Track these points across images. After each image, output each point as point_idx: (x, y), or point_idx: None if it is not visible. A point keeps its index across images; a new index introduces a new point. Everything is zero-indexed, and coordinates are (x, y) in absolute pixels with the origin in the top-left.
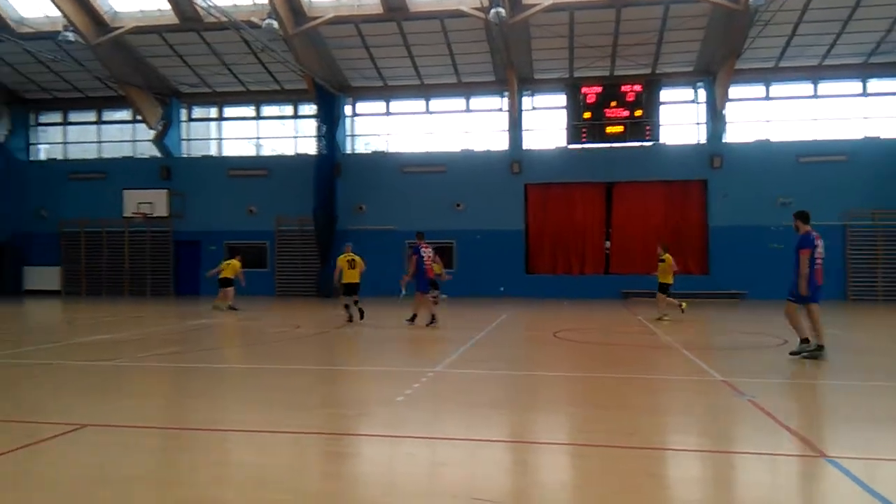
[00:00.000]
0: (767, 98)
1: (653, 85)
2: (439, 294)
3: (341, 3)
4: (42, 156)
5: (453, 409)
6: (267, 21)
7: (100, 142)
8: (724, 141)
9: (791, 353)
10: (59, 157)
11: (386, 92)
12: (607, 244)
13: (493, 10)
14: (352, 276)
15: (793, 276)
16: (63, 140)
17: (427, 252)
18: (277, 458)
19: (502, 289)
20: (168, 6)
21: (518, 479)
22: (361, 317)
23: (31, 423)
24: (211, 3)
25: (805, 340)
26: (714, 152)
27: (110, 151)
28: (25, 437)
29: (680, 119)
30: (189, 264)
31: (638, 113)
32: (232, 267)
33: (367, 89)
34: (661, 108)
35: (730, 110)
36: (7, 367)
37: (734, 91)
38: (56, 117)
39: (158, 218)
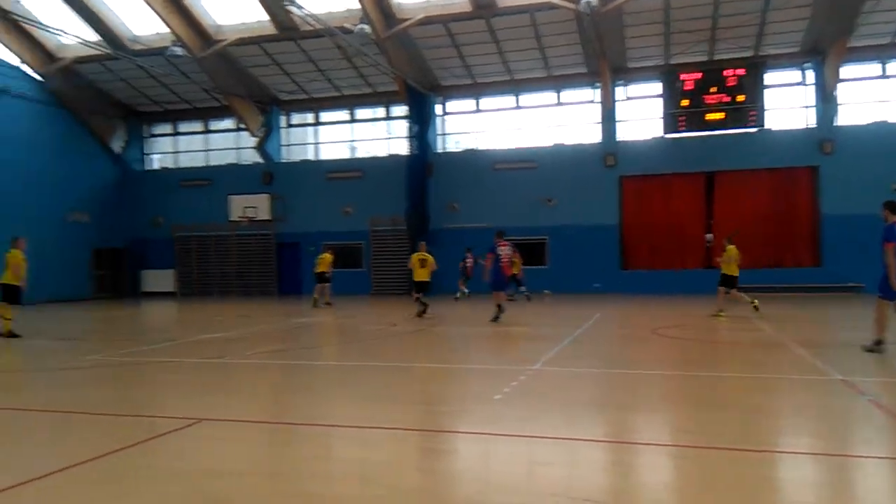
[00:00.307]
0: (884, 76)
1: (756, 68)
2: (545, 291)
3: (430, 4)
4: (155, 165)
5: (552, 408)
6: (359, 26)
7: (207, 150)
8: (835, 124)
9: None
10: (171, 165)
11: (476, 89)
12: (708, 237)
13: (583, 0)
14: (422, 275)
15: (882, 271)
16: (173, 150)
17: (504, 251)
18: (377, 453)
19: (597, 285)
20: (267, 17)
21: (620, 479)
22: (424, 311)
23: (151, 417)
24: (307, 12)
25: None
26: (825, 137)
27: (216, 159)
28: (146, 432)
29: (787, 103)
30: (290, 265)
31: (740, 98)
32: (324, 261)
33: (457, 88)
34: (766, 91)
35: (841, 91)
36: (128, 364)
37: (846, 71)
38: (167, 128)
39: (261, 221)
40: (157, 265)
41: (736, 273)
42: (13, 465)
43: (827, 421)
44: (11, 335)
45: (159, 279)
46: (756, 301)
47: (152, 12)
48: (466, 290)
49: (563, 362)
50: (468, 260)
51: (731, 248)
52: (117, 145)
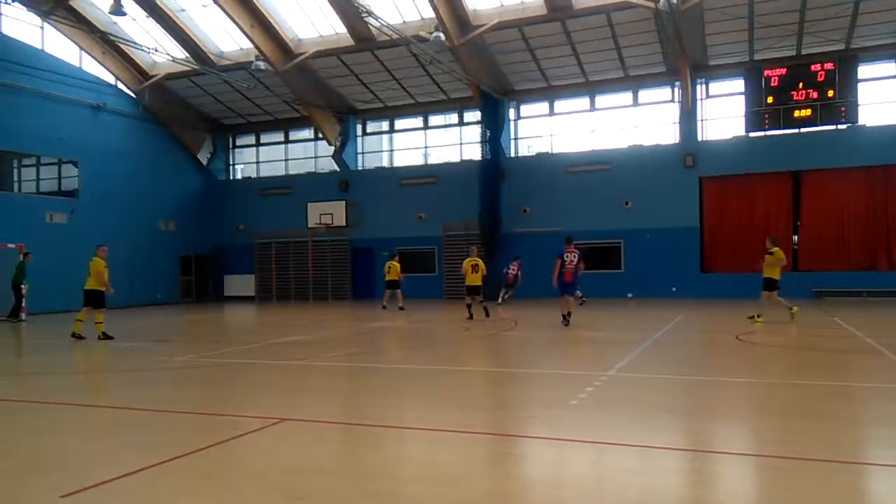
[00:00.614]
0: None
1: (847, 62)
2: (628, 295)
3: (505, 8)
4: (238, 175)
5: (629, 414)
6: (435, 34)
7: (286, 160)
8: None
9: None
10: (253, 175)
11: (549, 92)
12: (795, 238)
13: None
14: (474, 280)
15: None
16: (255, 160)
17: (571, 256)
18: (452, 455)
19: (674, 289)
20: (344, 29)
21: (700, 489)
22: (487, 315)
23: (237, 416)
24: (384, 23)
25: None
26: None
27: (295, 168)
28: (231, 430)
29: (881, 97)
30: (365, 270)
31: (830, 94)
32: (394, 269)
33: (531, 91)
34: (859, 86)
35: None
36: (214, 366)
37: None
38: (250, 139)
39: (337, 227)
40: (239, 271)
41: (778, 276)
42: (110, 459)
43: None
44: (106, 337)
45: (240, 284)
46: (795, 308)
47: (237, 29)
48: (506, 296)
49: (640, 368)
50: (513, 268)
51: (777, 250)
52: (204, 157)
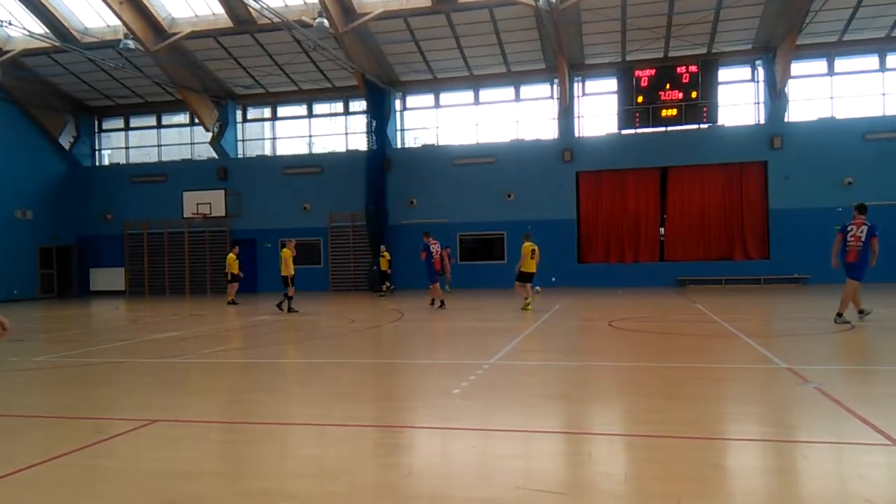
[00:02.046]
0: (831, 74)
1: (709, 65)
2: (536, 288)
3: None
4: (105, 161)
5: (510, 401)
6: (318, 20)
7: (159, 145)
8: (785, 120)
9: None
10: (122, 161)
11: (435, 84)
12: (662, 230)
13: None
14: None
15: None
16: (125, 145)
17: (435, 248)
18: (336, 450)
19: (554, 279)
20: (221, 10)
21: (578, 470)
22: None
23: (102, 419)
24: (264, 5)
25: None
26: (774, 132)
27: (169, 154)
28: (96, 434)
29: (738, 99)
30: (246, 262)
31: (694, 95)
32: (230, 261)
33: (417, 83)
34: (719, 88)
35: (791, 88)
36: (77, 365)
37: (795, 68)
38: (118, 123)
39: (216, 218)
40: (107, 263)
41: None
42: None
43: (776, 408)
44: None
45: (109, 278)
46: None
47: (103, 4)
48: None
49: (521, 355)
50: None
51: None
52: (66, 140)
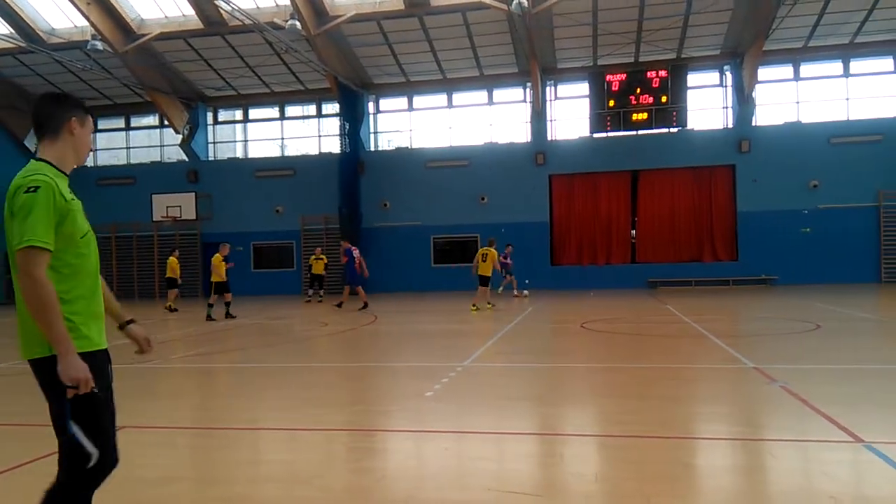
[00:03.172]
0: (797, 79)
1: (678, 70)
2: (524, 292)
3: (363, 1)
4: None
5: (483, 403)
6: (290, 22)
7: (128, 148)
8: (752, 124)
9: None
10: (89, 164)
11: (408, 88)
12: (633, 233)
13: (515, 1)
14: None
15: None
16: (92, 147)
17: (356, 253)
18: (308, 454)
19: (527, 281)
20: (192, 11)
21: (550, 471)
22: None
23: None
24: (235, 7)
25: None
26: (742, 136)
27: (138, 157)
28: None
29: (707, 104)
30: None
31: (664, 99)
32: (171, 266)
33: (390, 86)
34: (688, 93)
35: (758, 93)
36: None
37: (762, 73)
38: None
39: (186, 221)
40: None
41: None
42: None
43: (744, 407)
44: None
45: None
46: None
47: (70, 5)
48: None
49: (494, 358)
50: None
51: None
52: (32, 143)
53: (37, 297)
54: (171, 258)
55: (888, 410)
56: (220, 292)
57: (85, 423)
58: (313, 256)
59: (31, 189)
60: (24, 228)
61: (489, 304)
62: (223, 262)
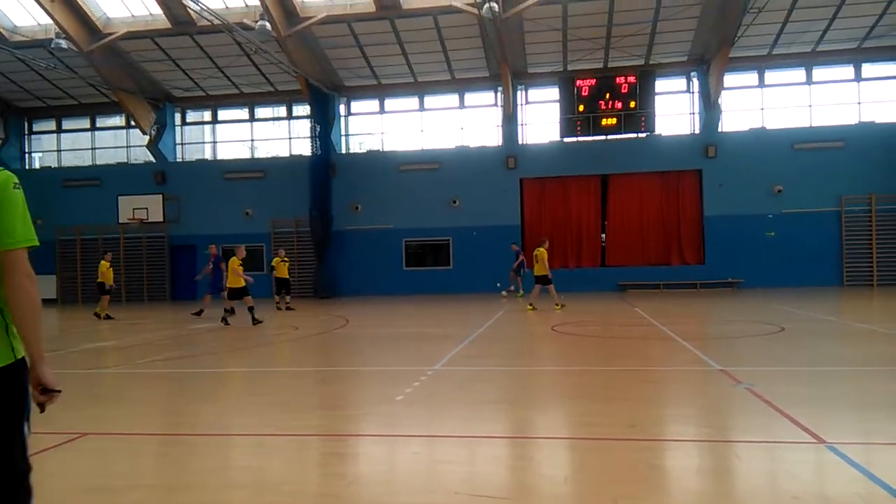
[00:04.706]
0: (761, 86)
1: (647, 76)
2: (502, 293)
3: (334, 3)
4: (36, 164)
5: (453, 407)
6: (260, 23)
7: (93, 148)
8: (718, 130)
9: None
10: (54, 164)
11: (380, 90)
12: (603, 237)
13: (486, 5)
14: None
15: None
16: (57, 148)
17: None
18: (277, 460)
19: (498, 284)
20: (159, 10)
21: (519, 474)
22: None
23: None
24: (203, 7)
25: None
26: (708, 142)
27: (104, 158)
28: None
29: (674, 109)
30: (185, 269)
31: (632, 104)
32: (101, 270)
33: (361, 88)
34: (656, 98)
35: (724, 99)
36: None
37: (728, 80)
38: (50, 125)
39: (153, 223)
40: (38, 271)
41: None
42: None
43: (710, 409)
44: None
45: (40, 285)
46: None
47: (33, 2)
48: (513, 288)
49: (464, 361)
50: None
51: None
52: None
53: (35, 299)
54: (102, 262)
55: (850, 412)
56: (236, 297)
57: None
58: (277, 259)
59: (18, 185)
60: (25, 226)
61: (557, 304)
62: (240, 266)
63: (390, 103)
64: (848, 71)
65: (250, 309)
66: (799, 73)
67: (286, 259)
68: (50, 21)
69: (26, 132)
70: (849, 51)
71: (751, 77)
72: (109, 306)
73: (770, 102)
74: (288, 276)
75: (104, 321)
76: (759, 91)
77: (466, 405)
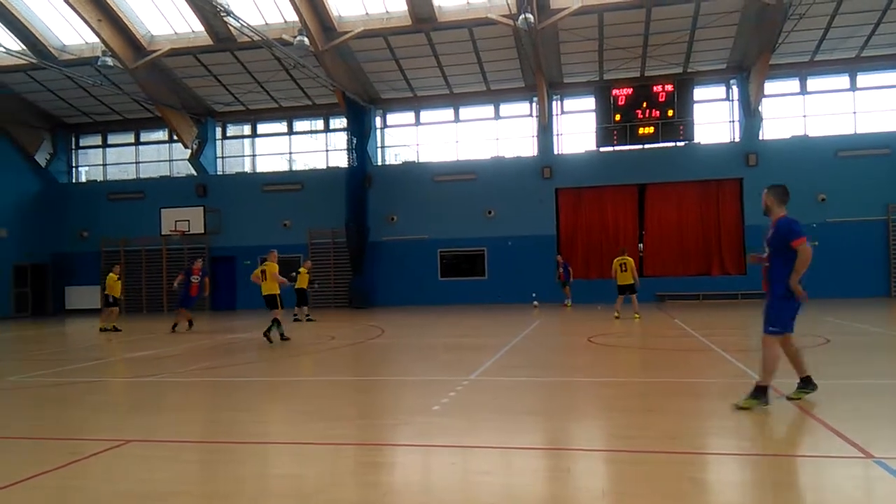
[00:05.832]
0: (803, 93)
1: (685, 84)
2: (534, 303)
3: (370, 17)
4: (83, 178)
5: (490, 418)
6: (298, 38)
7: (137, 162)
8: (759, 138)
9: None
10: (99, 178)
11: (415, 102)
12: (641, 246)
13: (521, 17)
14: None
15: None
16: (103, 162)
17: (196, 278)
18: (315, 469)
19: (534, 294)
20: (201, 28)
21: (556, 486)
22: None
23: (75, 440)
24: (244, 23)
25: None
26: (749, 150)
27: (148, 171)
28: (68, 455)
29: (713, 118)
30: (226, 279)
31: (670, 113)
32: (109, 283)
33: (397, 100)
34: (694, 107)
35: (765, 107)
36: (51, 385)
37: (769, 87)
38: (96, 140)
39: (195, 235)
40: (83, 281)
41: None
42: None
43: (754, 422)
44: None
45: (84, 296)
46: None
47: (81, 22)
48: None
49: (500, 372)
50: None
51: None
52: (42, 157)
53: None
54: (110, 274)
55: None
56: (272, 307)
57: None
58: (303, 269)
59: None
60: None
61: (635, 314)
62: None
63: (426, 115)
64: (893, 76)
65: (276, 322)
66: (843, 80)
67: (309, 272)
68: (97, 39)
69: (73, 147)
70: (894, 56)
71: (792, 84)
72: (119, 317)
73: (812, 109)
74: (306, 287)
75: (108, 332)
76: (801, 98)
77: (503, 415)
